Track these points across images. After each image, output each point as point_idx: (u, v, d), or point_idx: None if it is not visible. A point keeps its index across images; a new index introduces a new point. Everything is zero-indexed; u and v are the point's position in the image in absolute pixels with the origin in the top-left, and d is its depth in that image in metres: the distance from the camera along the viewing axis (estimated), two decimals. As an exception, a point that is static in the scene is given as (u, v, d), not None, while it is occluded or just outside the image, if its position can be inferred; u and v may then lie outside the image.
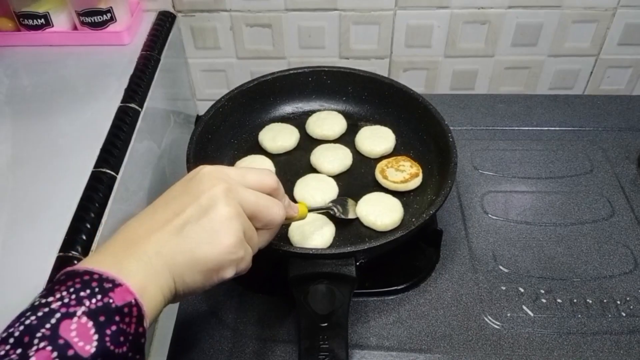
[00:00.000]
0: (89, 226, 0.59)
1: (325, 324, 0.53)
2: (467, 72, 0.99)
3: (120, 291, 0.39)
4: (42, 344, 0.35)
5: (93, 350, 0.36)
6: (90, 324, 0.36)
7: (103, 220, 0.61)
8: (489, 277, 0.68)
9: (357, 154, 0.76)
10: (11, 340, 0.35)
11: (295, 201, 0.69)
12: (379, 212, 0.67)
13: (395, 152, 0.76)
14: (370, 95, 0.81)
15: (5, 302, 0.52)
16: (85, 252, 0.57)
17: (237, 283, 0.68)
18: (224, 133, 0.76)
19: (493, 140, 0.85)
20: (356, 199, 0.69)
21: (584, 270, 0.69)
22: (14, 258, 0.56)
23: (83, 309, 0.37)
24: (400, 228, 0.66)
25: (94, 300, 0.37)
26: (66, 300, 0.37)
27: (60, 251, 0.56)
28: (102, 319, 0.37)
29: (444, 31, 0.93)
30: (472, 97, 0.95)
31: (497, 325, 0.63)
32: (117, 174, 0.66)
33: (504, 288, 0.67)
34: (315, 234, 0.64)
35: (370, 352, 0.61)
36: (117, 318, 0.38)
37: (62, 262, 0.55)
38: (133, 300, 0.39)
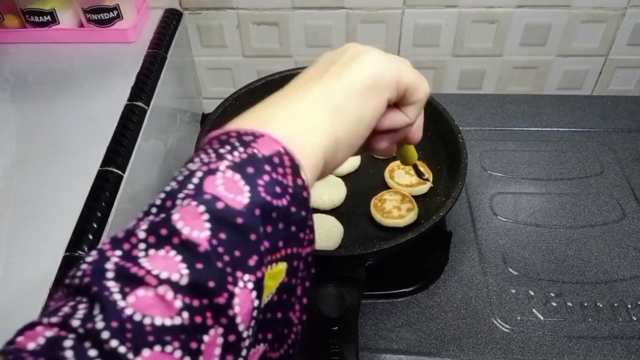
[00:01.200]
0: (95, 225, 0.58)
1: (336, 328, 0.53)
2: (474, 71, 0.98)
3: (264, 141, 0.34)
4: (185, 202, 0.30)
5: (246, 200, 0.31)
6: (238, 176, 0.32)
7: (110, 220, 0.60)
8: (499, 280, 0.67)
9: (366, 155, 0.76)
10: (153, 209, 0.31)
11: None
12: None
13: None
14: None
15: (12, 303, 0.52)
16: (92, 252, 0.56)
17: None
18: (231, 132, 0.75)
19: (502, 141, 0.84)
20: (365, 200, 0.69)
21: (595, 273, 0.68)
22: (21, 258, 0.55)
23: (226, 163, 0.32)
24: (409, 230, 0.65)
25: (236, 154, 0.33)
26: (205, 160, 0.33)
27: (66, 251, 0.55)
28: (250, 170, 0.32)
29: (452, 30, 0.93)
30: (481, 97, 0.94)
31: (507, 328, 0.63)
32: (123, 173, 0.65)
33: (513, 291, 0.66)
34: (323, 236, 0.63)
35: (378, 355, 0.60)
36: (267, 167, 0.33)
37: (69, 262, 0.54)
38: (282, 149, 0.34)
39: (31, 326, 0.27)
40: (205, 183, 0.31)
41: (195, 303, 0.28)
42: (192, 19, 0.92)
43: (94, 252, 0.29)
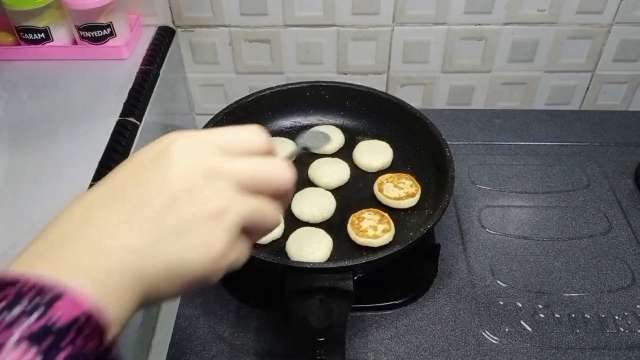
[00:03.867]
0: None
1: (323, 339, 0.53)
2: (464, 87, 1.00)
3: (66, 303, 0.28)
4: None
5: None
6: (33, 352, 0.26)
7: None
8: (487, 292, 0.68)
9: (355, 168, 0.77)
10: None
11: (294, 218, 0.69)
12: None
13: (393, 167, 0.76)
14: (367, 110, 0.81)
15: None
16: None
17: (233, 297, 0.67)
18: (222, 147, 0.76)
19: (490, 155, 0.85)
20: (353, 212, 0.69)
21: (582, 285, 0.68)
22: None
23: (17, 335, 0.27)
24: (398, 242, 0.66)
25: (31, 320, 0.27)
26: None
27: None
28: (48, 342, 0.27)
29: (441, 47, 0.94)
30: (469, 112, 0.95)
31: (495, 340, 0.63)
32: (115, 187, 0.66)
33: (502, 303, 0.66)
34: (312, 248, 0.64)
35: (367, 367, 0.61)
36: (67, 339, 0.28)
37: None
38: (87, 310, 0.29)
39: None
40: None
41: None
42: (185, 36, 0.93)
43: None
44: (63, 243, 0.32)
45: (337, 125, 0.82)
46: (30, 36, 0.81)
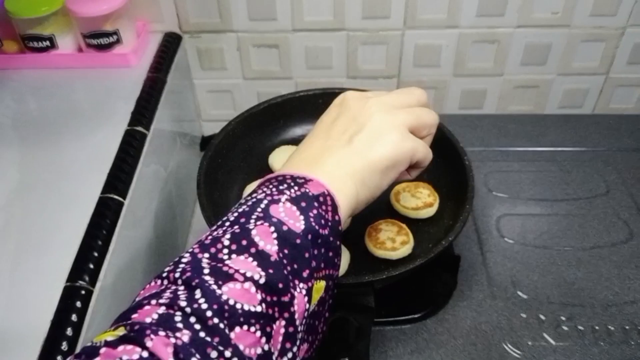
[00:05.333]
0: (96, 254, 0.57)
1: (346, 358, 0.51)
2: (475, 91, 0.98)
3: (313, 184, 0.43)
4: (259, 222, 0.39)
5: (302, 227, 0.40)
6: (295, 207, 0.40)
7: (111, 248, 0.59)
8: (508, 304, 0.66)
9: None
10: (227, 223, 0.40)
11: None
12: None
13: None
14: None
15: (13, 334, 0.50)
16: (93, 281, 0.55)
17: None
18: (233, 157, 0.74)
19: (506, 161, 0.83)
20: (369, 223, 0.68)
21: (605, 295, 0.67)
22: (21, 288, 0.54)
23: (286, 196, 0.41)
24: (417, 254, 0.64)
25: (292, 191, 0.42)
26: (268, 192, 0.42)
27: (67, 281, 0.54)
28: (303, 204, 0.41)
29: (453, 51, 0.93)
30: (483, 117, 0.94)
31: (518, 354, 0.61)
32: (124, 199, 0.64)
33: (524, 315, 0.65)
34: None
35: (388, 383, 0.59)
36: (315, 204, 0.41)
37: (70, 292, 0.53)
38: (326, 191, 0.43)
39: (140, 306, 0.34)
40: (271, 209, 0.40)
41: (269, 298, 0.36)
42: (192, 42, 0.91)
43: (187, 255, 0.38)
44: (301, 160, 0.48)
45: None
46: (36, 44, 0.80)
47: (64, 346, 0.49)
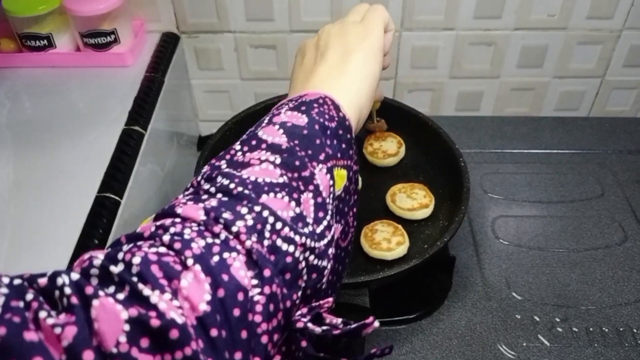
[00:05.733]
0: (92, 254, 0.57)
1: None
2: (472, 93, 0.99)
3: (308, 95, 0.44)
4: (263, 125, 0.41)
5: (307, 120, 0.41)
6: (296, 112, 0.42)
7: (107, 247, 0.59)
8: (503, 305, 0.66)
9: (367, 177, 0.75)
10: (238, 141, 0.41)
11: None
12: None
13: (405, 176, 0.75)
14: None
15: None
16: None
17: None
18: (230, 157, 0.75)
19: (502, 163, 0.84)
20: (365, 224, 0.68)
21: (599, 297, 0.67)
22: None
23: (285, 108, 0.43)
24: (412, 255, 0.64)
25: (291, 103, 0.43)
26: (269, 114, 0.43)
27: (63, 280, 0.54)
28: (303, 108, 0.42)
29: (450, 52, 0.93)
30: (479, 119, 0.94)
31: (513, 355, 0.62)
32: (121, 198, 0.64)
33: (518, 316, 0.65)
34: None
35: (383, 384, 0.59)
36: (315, 105, 0.43)
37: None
38: (322, 95, 0.44)
39: (167, 206, 0.36)
40: (274, 119, 0.42)
41: (289, 174, 0.38)
42: (190, 42, 0.91)
43: (206, 167, 0.39)
44: (296, 92, 0.47)
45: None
46: (33, 43, 0.80)
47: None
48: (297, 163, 0.38)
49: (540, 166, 0.84)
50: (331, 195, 0.40)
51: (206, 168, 0.39)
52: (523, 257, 0.71)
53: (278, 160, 0.38)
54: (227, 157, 0.39)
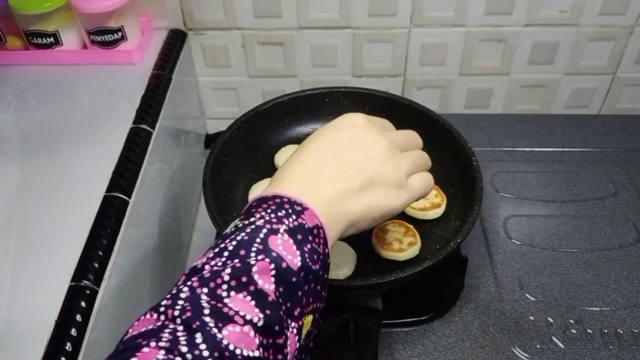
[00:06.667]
0: (101, 254, 0.57)
1: (354, 363, 0.51)
2: (482, 90, 0.97)
3: (309, 214, 0.42)
4: (259, 257, 0.38)
5: (299, 264, 0.39)
6: (292, 241, 0.40)
7: (115, 247, 0.58)
8: (516, 307, 0.65)
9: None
10: (226, 253, 0.39)
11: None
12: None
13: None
14: (388, 117, 0.77)
15: (17, 334, 0.50)
16: (98, 281, 0.54)
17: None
18: (239, 156, 0.74)
19: (513, 162, 0.83)
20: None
21: (614, 298, 0.66)
22: (24, 288, 0.53)
23: (284, 227, 0.40)
24: (424, 256, 0.63)
25: (290, 220, 0.41)
26: (267, 218, 0.41)
27: (72, 280, 0.53)
28: (299, 237, 0.40)
29: (459, 49, 0.92)
30: (489, 117, 0.93)
31: (527, 358, 0.61)
32: (129, 198, 0.64)
33: (532, 318, 0.64)
34: (336, 262, 0.62)
35: (395, 386, 0.59)
36: (310, 237, 0.41)
37: (75, 292, 0.53)
38: (319, 223, 0.42)
39: (138, 347, 0.33)
40: (270, 241, 0.39)
41: (265, 341, 0.36)
42: (197, 39, 0.90)
43: (185, 289, 0.37)
44: (300, 181, 0.46)
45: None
46: (39, 40, 0.79)
47: (68, 346, 0.48)
48: (277, 328, 0.37)
49: (552, 165, 0.83)
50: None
51: (185, 293, 0.36)
52: (536, 258, 0.70)
53: (260, 323, 0.36)
54: (212, 285, 0.37)
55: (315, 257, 0.41)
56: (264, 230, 0.40)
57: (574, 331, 0.63)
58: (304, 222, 0.41)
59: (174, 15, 0.88)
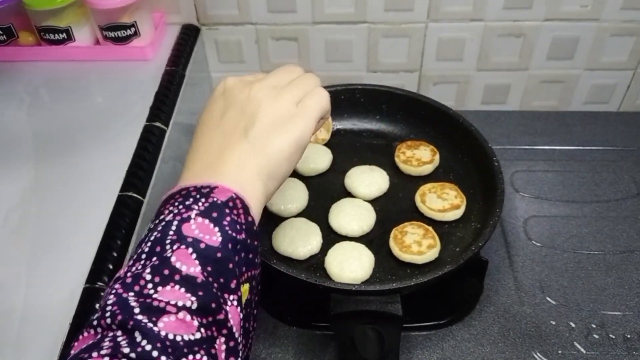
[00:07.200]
0: (115, 254, 0.56)
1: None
2: (499, 86, 0.96)
3: (219, 191, 0.42)
4: (175, 246, 0.38)
5: (219, 239, 0.39)
6: (207, 221, 0.40)
7: (130, 248, 0.58)
8: (537, 310, 0.64)
9: (394, 177, 0.73)
10: (143, 255, 0.39)
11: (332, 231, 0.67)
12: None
13: (435, 176, 0.72)
14: (405, 115, 0.77)
15: (31, 337, 0.49)
16: (113, 283, 0.54)
17: (269, 315, 0.64)
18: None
19: (533, 161, 0.81)
20: (394, 225, 0.66)
21: (637, 302, 0.65)
22: (39, 290, 0.53)
23: (195, 212, 0.40)
24: (444, 259, 0.62)
25: (200, 204, 0.41)
26: (176, 211, 0.40)
27: (87, 282, 0.53)
28: (214, 214, 0.40)
29: (477, 44, 0.90)
30: (506, 113, 0.91)
31: (548, 363, 0.60)
32: (143, 197, 0.63)
33: (553, 322, 0.63)
34: (354, 265, 0.60)
35: (414, 392, 0.58)
36: (227, 210, 0.41)
37: (89, 293, 0.52)
38: (234, 194, 0.42)
39: None
40: (183, 228, 0.39)
41: (204, 321, 0.36)
42: (210, 34, 0.89)
43: (110, 296, 0.36)
44: (199, 166, 0.46)
45: (372, 130, 0.78)
46: (52, 36, 0.78)
47: (84, 351, 0.48)
48: (213, 305, 0.37)
49: (573, 164, 0.81)
50: (241, 331, 0.39)
51: (112, 299, 0.36)
52: (557, 260, 0.69)
53: (194, 306, 0.36)
54: (136, 288, 0.36)
55: (238, 227, 0.40)
56: (175, 223, 0.39)
57: (596, 336, 0.62)
58: (215, 199, 0.41)
59: (187, 11, 0.86)
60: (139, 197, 0.62)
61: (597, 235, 0.72)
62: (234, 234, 0.40)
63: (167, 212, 0.41)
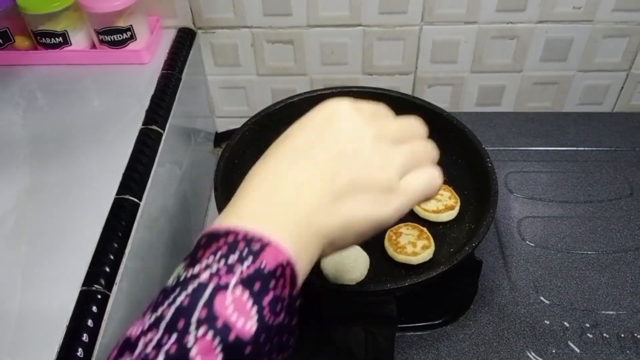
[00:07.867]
0: (112, 257, 0.56)
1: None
2: (493, 87, 0.96)
3: (270, 251, 0.34)
4: (200, 332, 0.31)
5: (254, 328, 0.32)
6: (246, 295, 0.32)
7: (127, 251, 0.58)
8: (531, 310, 0.64)
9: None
10: (162, 324, 0.32)
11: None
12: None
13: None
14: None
15: (28, 340, 0.49)
16: (109, 285, 0.54)
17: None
18: (250, 157, 0.72)
19: (527, 162, 0.82)
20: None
21: (630, 302, 0.65)
22: (35, 294, 0.53)
23: (236, 278, 0.33)
24: (438, 259, 0.63)
25: (245, 266, 0.33)
26: (215, 270, 0.33)
27: (83, 285, 0.53)
28: (256, 287, 0.33)
29: (471, 47, 0.91)
30: (502, 115, 0.92)
31: (542, 362, 0.60)
32: (140, 200, 0.63)
33: (547, 322, 0.63)
34: (349, 266, 0.61)
35: (409, 392, 0.58)
36: (271, 283, 0.33)
37: (86, 296, 0.52)
38: (284, 261, 0.34)
39: None
40: (216, 303, 0.32)
41: None
42: (206, 38, 0.90)
43: None
44: (262, 202, 0.37)
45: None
46: (48, 40, 0.78)
47: (80, 352, 0.48)
48: None
49: (567, 164, 0.81)
50: None
51: None
52: (551, 260, 0.69)
53: None
54: None
55: (278, 308, 0.33)
56: (209, 289, 0.32)
57: (590, 335, 0.62)
58: (263, 265, 0.33)
59: (183, 14, 0.87)
60: (136, 200, 0.63)
61: (591, 236, 0.72)
62: (271, 321, 0.33)
63: (204, 263, 0.34)
